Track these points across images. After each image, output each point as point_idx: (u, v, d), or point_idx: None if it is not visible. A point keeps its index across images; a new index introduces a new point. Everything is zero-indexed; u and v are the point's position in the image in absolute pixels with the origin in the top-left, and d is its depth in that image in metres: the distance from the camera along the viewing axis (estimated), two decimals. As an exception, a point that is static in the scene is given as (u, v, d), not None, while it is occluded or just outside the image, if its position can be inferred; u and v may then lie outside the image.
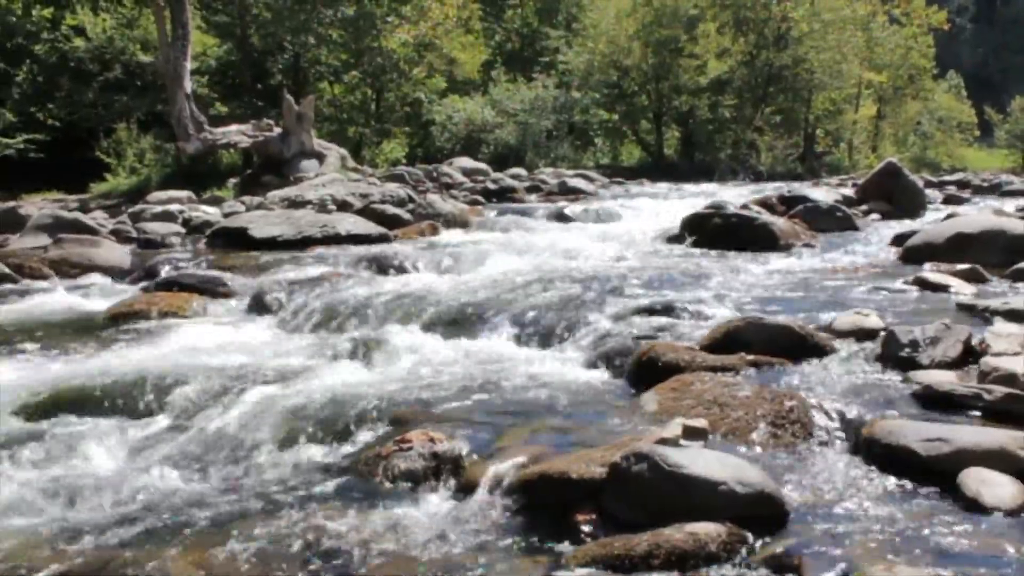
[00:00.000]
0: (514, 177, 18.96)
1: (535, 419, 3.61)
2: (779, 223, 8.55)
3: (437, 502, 3.02)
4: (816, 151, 35.03)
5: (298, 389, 4.32)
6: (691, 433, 3.01)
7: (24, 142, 20.16)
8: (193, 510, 3.06)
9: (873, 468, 3.01)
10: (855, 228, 9.33)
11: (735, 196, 13.20)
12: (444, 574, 2.53)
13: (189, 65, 17.82)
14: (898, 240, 7.87)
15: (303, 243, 9.59)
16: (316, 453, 3.53)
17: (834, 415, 3.39)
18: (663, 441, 2.90)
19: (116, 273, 8.52)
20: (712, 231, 8.51)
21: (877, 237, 8.62)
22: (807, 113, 33.98)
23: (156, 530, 2.91)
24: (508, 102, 28.75)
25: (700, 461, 2.67)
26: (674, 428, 3.02)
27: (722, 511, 2.55)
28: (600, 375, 4.36)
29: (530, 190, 17.36)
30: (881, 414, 3.31)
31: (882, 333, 4.27)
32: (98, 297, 7.25)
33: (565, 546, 2.62)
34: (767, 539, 2.52)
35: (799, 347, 4.19)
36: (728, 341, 4.29)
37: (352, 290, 6.55)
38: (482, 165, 20.85)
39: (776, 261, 7.32)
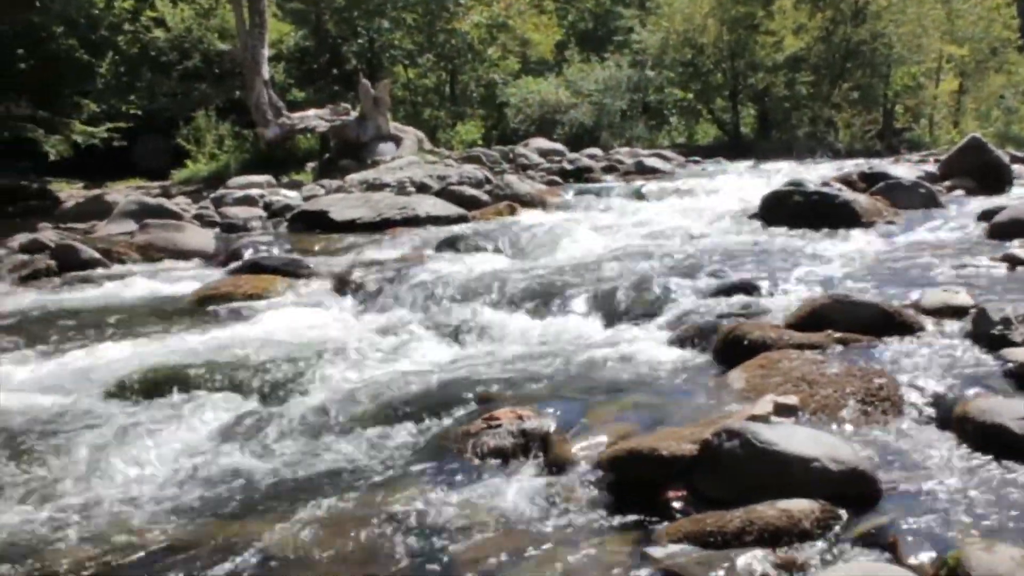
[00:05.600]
0: (590, 157, 18.81)
1: (621, 397, 3.61)
2: (861, 200, 8.39)
3: (526, 478, 3.02)
4: (895, 127, 34.31)
5: (383, 368, 4.40)
6: (782, 410, 3.00)
7: (107, 131, 20.59)
8: (287, 487, 3.13)
9: (966, 446, 2.96)
10: (939, 205, 9.11)
11: (814, 174, 13.00)
12: (535, 549, 2.56)
13: (266, 52, 18.08)
14: (984, 216, 7.67)
15: (382, 225, 9.70)
16: (405, 431, 3.57)
17: (925, 393, 3.34)
18: (754, 418, 2.89)
19: (201, 257, 8.71)
20: (792, 209, 8.38)
21: (962, 214, 8.40)
22: (886, 89, 33.22)
23: (250, 505, 3.00)
24: (582, 82, 28.59)
25: (793, 438, 2.65)
26: (765, 405, 3.01)
27: (815, 489, 2.53)
28: (684, 353, 4.33)
29: (606, 170, 17.21)
30: (975, 392, 3.26)
31: (972, 311, 4.19)
32: (184, 280, 7.40)
33: (656, 523, 2.63)
34: (860, 517, 2.49)
35: (886, 325, 4.11)
36: (814, 319, 4.24)
37: (433, 271, 6.61)
38: (558, 146, 20.78)
39: (858, 239, 7.19)
